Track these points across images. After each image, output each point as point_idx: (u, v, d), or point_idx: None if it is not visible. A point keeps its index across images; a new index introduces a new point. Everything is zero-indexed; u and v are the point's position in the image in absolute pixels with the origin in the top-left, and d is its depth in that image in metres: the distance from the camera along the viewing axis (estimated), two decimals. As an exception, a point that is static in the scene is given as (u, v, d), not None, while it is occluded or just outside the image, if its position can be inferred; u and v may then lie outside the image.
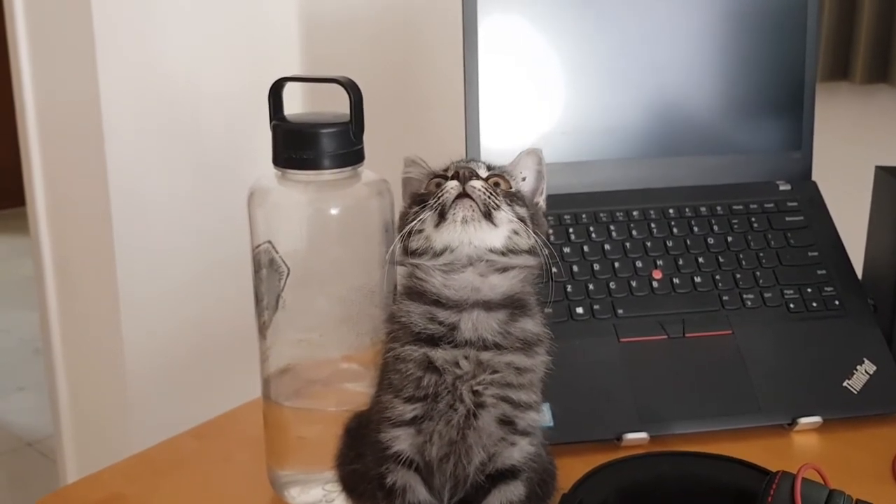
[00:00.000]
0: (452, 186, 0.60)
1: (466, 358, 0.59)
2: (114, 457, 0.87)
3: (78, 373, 1.78)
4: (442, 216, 0.60)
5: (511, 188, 0.64)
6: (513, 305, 0.61)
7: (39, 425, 2.66)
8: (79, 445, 1.82)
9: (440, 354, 0.60)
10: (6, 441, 2.70)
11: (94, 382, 1.75)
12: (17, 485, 2.47)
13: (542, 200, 0.68)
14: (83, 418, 1.80)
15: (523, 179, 0.66)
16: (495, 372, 0.60)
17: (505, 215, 0.61)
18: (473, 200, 0.60)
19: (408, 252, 0.62)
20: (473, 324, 0.60)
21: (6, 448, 2.67)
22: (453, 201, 0.60)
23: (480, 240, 0.60)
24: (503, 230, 0.61)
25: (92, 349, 1.73)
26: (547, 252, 0.62)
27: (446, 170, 0.64)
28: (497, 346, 0.60)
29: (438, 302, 0.60)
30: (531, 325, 0.62)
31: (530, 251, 0.62)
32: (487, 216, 0.60)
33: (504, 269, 0.61)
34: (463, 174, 0.61)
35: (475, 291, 0.60)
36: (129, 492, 0.80)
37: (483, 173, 0.63)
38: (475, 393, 0.60)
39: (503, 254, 0.61)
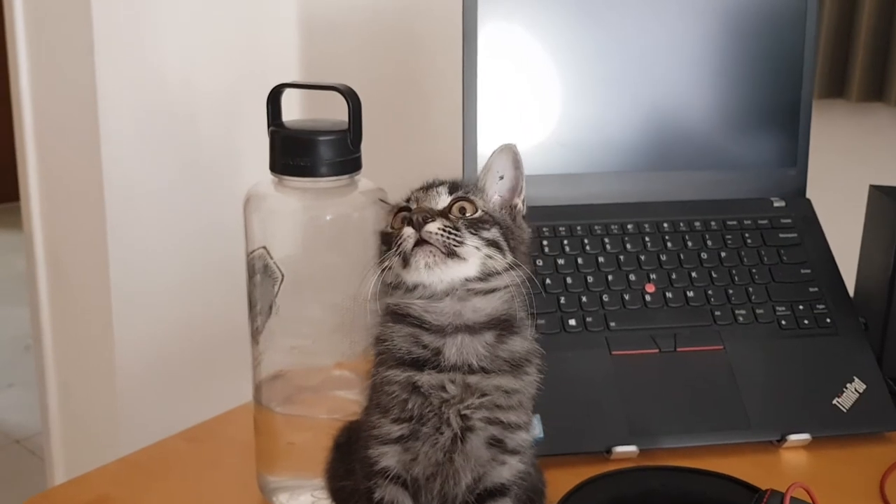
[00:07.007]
0: (409, 234, 0.58)
1: (453, 382, 0.58)
2: (102, 455, 0.87)
3: (68, 370, 1.77)
4: (406, 262, 0.58)
5: (477, 211, 0.60)
6: (499, 326, 0.60)
7: (28, 422, 2.65)
8: (67, 443, 1.82)
9: (425, 379, 0.58)
10: (-6, 438, 2.69)
11: (84, 381, 1.74)
12: (4, 482, 2.46)
13: (520, 202, 0.65)
14: (72, 416, 1.79)
15: (501, 178, 0.63)
16: (484, 395, 0.59)
17: (471, 248, 0.58)
18: (433, 245, 0.57)
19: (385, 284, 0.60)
20: (458, 349, 0.58)
21: (-6, 445, 2.66)
22: (412, 249, 0.57)
23: (450, 276, 0.58)
24: (474, 261, 0.58)
25: (83, 347, 1.72)
26: (528, 270, 0.60)
27: (408, 200, 0.62)
28: (484, 371, 0.59)
29: (422, 325, 0.59)
30: (519, 345, 0.61)
31: (511, 267, 0.60)
32: (452, 255, 0.57)
33: (486, 292, 0.59)
34: (416, 220, 0.58)
35: (457, 316, 0.59)
36: (117, 494, 0.80)
37: (444, 200, 0.60)
38: (463, 417, 0.59)
39: (481, 279, 0.59)
